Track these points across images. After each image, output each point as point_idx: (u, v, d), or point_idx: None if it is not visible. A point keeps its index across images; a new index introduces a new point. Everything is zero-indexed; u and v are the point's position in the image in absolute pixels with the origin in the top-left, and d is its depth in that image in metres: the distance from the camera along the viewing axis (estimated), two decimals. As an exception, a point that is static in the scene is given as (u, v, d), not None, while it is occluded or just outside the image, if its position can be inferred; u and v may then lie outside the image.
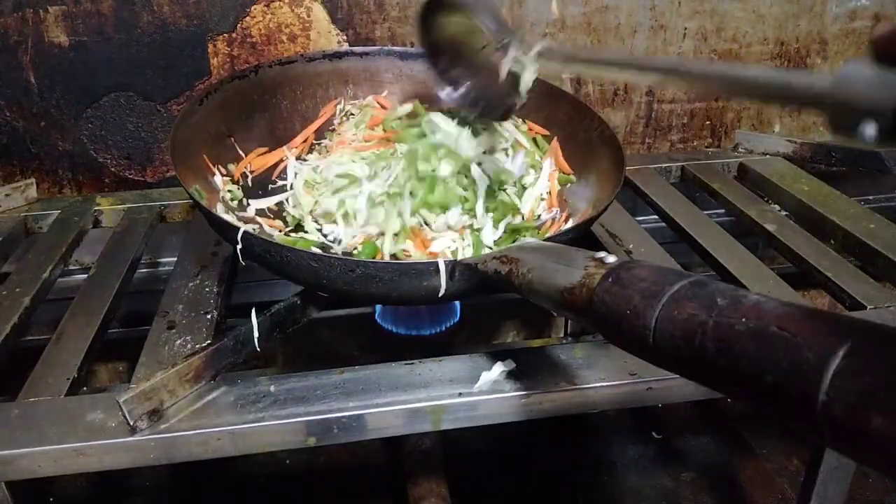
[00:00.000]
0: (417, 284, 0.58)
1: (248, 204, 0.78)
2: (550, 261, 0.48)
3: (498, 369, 0.60)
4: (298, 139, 0.87)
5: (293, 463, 1.05)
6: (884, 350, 0.27)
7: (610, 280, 0.41)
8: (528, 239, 0.59)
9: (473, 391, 0.59)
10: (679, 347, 0.35)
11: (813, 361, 0.29)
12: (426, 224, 0.74)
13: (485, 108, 0.76)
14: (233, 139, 0.82)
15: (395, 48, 0.93)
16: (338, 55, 0.91)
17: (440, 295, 0.58)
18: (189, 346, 0.64)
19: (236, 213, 0.76)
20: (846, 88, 0.35)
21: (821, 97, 0.37)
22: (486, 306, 1.20)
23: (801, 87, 0.39)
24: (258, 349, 0.62)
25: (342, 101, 0.91)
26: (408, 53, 0.92)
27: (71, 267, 0.96)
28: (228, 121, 0.81)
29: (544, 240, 0.60)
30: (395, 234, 0.72)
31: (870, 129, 0.33)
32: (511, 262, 0.52)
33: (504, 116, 0.77)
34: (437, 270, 0.57)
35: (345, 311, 1.10)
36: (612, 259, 0.44)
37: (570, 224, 0.74)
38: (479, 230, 0.73)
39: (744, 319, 0.33)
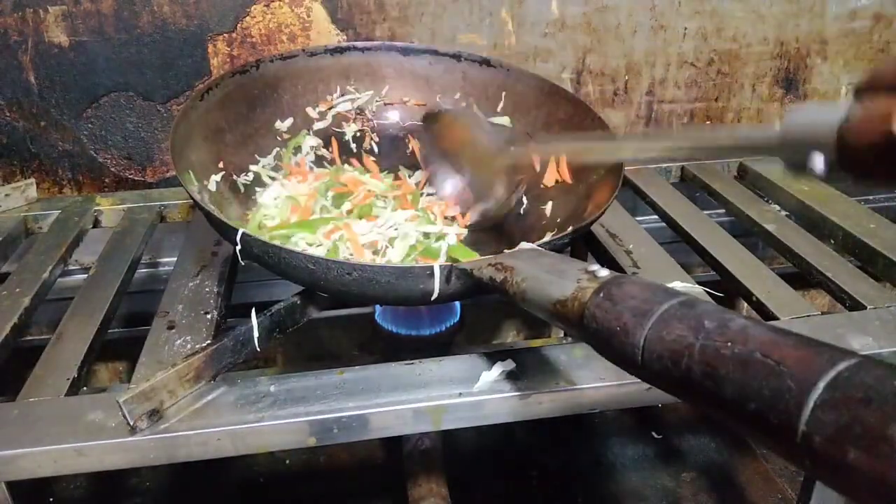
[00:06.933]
0: (413, 287, 0.58)
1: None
2: (544, 271, 0.49)
3: (498, 369, 0.60)
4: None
5: (293, 463, 1.05)
6: (863, 384, 0.28)
7: (601, 295, 0.42)
8: (525, 244, 0.60)
9: (473, 391, 0.59)
10: (666, 368, 0.36)
11: (795, 391, 0.29)
12: None
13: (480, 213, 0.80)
14: (233, 135, 0.82)
15: (396, 43, 0.93)
16: (339, 50, 0.91)
17: (433, 298, 0.59)
18: (189, 346, 0.64)
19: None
20: (792, 129, 0.39)
21: (773, 142, 0.40)
22: (486, 306, 1.20)
23: (757, 139, 0.43)
24: (258, 349, 0.62)
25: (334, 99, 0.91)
26: (410, 49, 0.92)
27: (71, 267, 0.96)
28: (229, 116, 0.81)
29: (542, 244, 0.60)
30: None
31: (818, 162, 0.37)
32: (506, 270, 0.52)
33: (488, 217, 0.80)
34: (433, 274, 0.57)
35: (344, 311, 1.10)
36: (604, 273, 0.44)
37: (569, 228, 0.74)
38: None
39: (730, 344, 0.33)
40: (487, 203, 0.79)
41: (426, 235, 0.75)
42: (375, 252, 0.72)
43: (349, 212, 0.78)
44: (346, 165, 0.89)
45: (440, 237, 0.75)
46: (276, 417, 0.56)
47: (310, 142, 0.89)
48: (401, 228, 0.74)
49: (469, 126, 0.80)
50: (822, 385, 0.28)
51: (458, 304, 0.83)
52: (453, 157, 0.82)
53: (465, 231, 0.79)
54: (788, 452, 0.30)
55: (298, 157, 0.87)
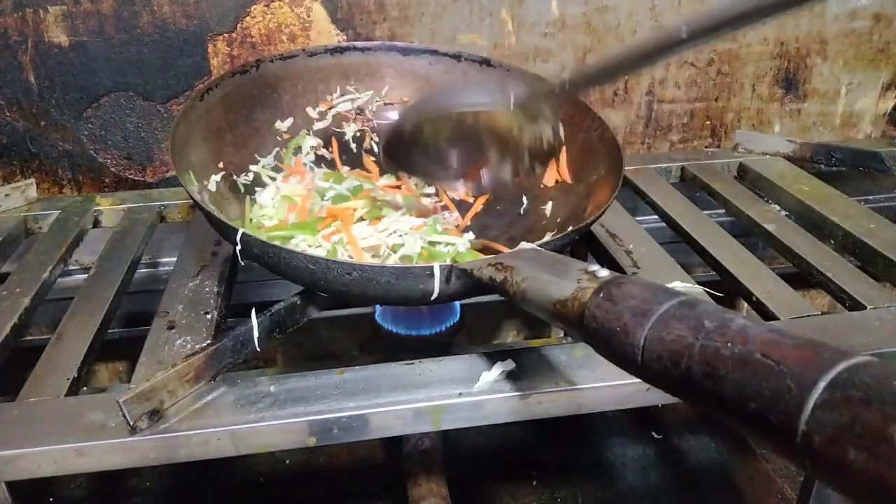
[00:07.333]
0: (413, 287, 0.58)
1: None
2: (544, 271, 0.49)
3: (498, 369, 0.60)
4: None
5: (293, 463, 1.05)
6: (863, 384, 0.28)
7: (601, 295, 0.42)
8: (525, 244, 0.60)
9: (473, 391, 0.59)
10: (666, 368, 0.36)
11: (794, 392, 0.29)
12: None
13: (527, 166, 0.72)
14: (233, 135, 0.82)
15: (396, 43, 0.93)
16: (339, 50, 0.91)
17: (433, 298, 0.59)
18: (189, 346, 0.64)
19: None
20: None
21: None
22: (486, 306, 1.20)
23: None
24: (258, 349, 0.62)
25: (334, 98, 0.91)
26: (410, 49, 0.92)
27: (71, 267, 0.96)
28: (229, 116, 0.81)
29: (542, 244, 0.60)
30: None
31: None
32: (506, 270, 0.52)
33: (549, 157, 0.71)
34: (433, 275, 0.57)
35: (345, 311, 1.10)
36: (604, 273, 0.44)
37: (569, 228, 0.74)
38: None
39: (729, 344, 0.33)
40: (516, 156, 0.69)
41: (432, 244, 0.75)
42: (376, 256, 0.72)
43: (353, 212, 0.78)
44: (346, 169, 0.89)
45: (449, 245, 0.74)
46: (276, 417, 0.56)
47: (310, 142, 0.89)
48: (406, 239, 0.73)
49: (446, 109, 0.66)
50: (822, 385, 0.28)
51: (458, 304, 0.83)
52: (449, 150, 0.71)
53: (473, 239, 0.79)
54: (788, 452, 0.30)
55: (298, 157, 0.87)
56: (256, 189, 0.82)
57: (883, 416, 0.26)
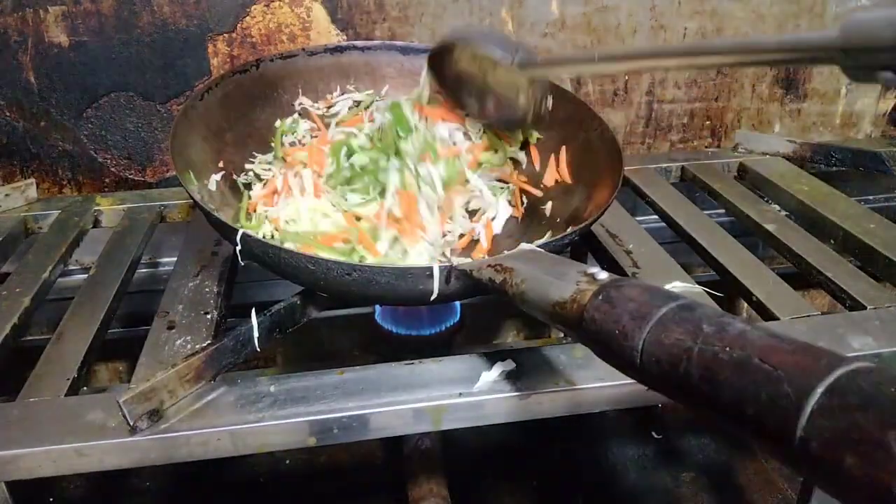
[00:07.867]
0: (413, 287, 0.58)
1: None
2: (543, 273, 0.49)
3: (498, 369, 0.60)
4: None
5: (293, 463, 1.05)
6: (860, 390, 0.28)
7: (600, 298, 0.42)
8: (525, 245, 0.60)
9: (473, 391, 0.59)
10: (665, 372, 0.36)
11: (792, 397, 0.29)
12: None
13: (506, 123, 0.84)
14: (233, 134, 0.82)
15: (396, 42, 0.93)
16: (339, 49, 0.91)
17: (432, 298, 0.59)
18: (189, 346, 0.64)
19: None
20: (854, 35, 0.37)
21: (830, 47, 0.39)
22: (486, 306, 1.20)
23: (810, 44, 0.41)
24: (258, 349, 0.62)
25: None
26: (409, 48, 0.92)
27: (71, 267, 0.96)
28: (229, 116, 0.82)
29: (542, 244, 0.60)
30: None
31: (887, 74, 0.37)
32: (505, 272, 0.53)
33: (517, 126, 0.85)
34: (432, 275, 0.57)
35: (344, 311, 1.10)
36: (603, 276, 0.44)
37: (569, 228, 0.74)
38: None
39: (728, 349, 0.33)
40: (512, 111, 0.79)
41: None
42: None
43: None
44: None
45: None
46: (276, 417, 0.56)
47: (304, 126, 0.88)
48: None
49: (479, 50, 0.78)
50: (819, 391, 0.28)
51: (457, 304, 0.83)
52: (471, 81, 0.80)
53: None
54: (785, 457, 0.30)
55: (294, 137, 0.86)
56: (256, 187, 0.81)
57: (879, 422, 0.26)
